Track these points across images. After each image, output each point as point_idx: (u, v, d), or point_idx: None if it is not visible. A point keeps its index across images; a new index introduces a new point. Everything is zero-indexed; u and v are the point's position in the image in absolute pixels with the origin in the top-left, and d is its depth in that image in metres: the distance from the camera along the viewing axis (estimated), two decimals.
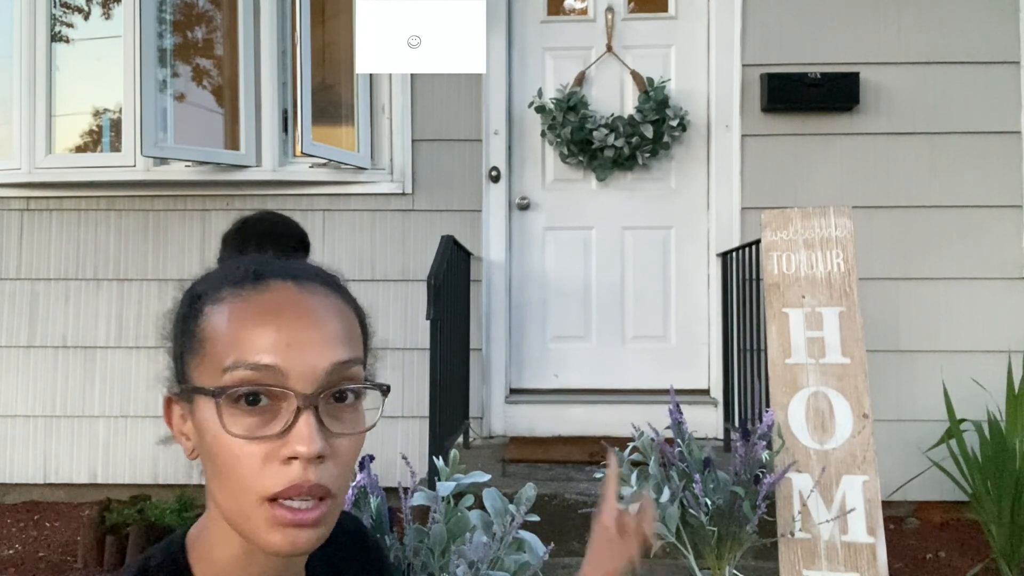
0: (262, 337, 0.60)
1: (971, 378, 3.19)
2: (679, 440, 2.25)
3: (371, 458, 1.74)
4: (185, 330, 0.65)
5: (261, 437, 0.59)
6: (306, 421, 0.58)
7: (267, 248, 0.73)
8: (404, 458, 1.93)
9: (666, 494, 2.09)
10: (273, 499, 0.58)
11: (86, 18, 3.62)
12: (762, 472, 2.12)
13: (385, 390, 0.66)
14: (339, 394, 0.62)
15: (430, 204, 3.48)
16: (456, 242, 3.05)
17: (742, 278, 2.98)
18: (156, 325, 0.68)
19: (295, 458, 0.58)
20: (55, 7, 3.54)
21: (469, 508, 1.75)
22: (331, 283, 0.68)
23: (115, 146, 3.54)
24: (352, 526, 0.82)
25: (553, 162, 3.60)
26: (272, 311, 0.61)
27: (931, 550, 3.00)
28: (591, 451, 3.06)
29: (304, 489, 0.58)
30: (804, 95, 3.33)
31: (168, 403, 0.67)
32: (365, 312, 0.72)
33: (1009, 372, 2.92)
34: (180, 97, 3.45)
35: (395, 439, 3.34)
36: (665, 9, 3.61)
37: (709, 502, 2.09)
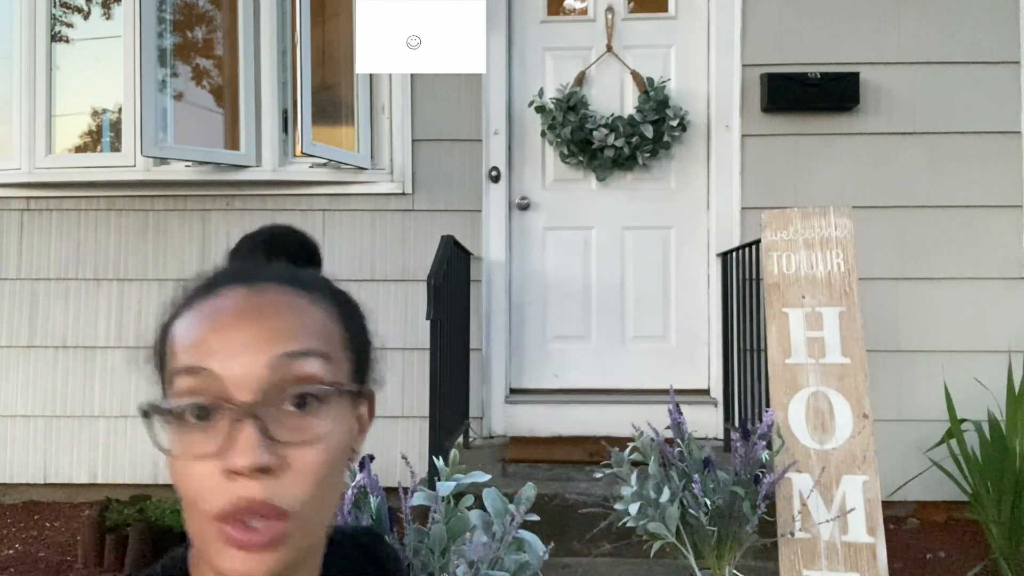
0: (199, 343, 0.55)
1: (972, 378, 3.19)
2: (679, 440, 2.25)
3: (371, 458, 1.75)
4: (157, 353, 0.61)
5: (200, 455, 0.53)
6: (245, 432, 0.52)
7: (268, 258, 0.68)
8: (404, 458, 1.93)
9: (666, 494, 2.09)
10: (224, 519, 0.53)
11: (86, 18, 3.62)
12: (762, 472, 2.12)
13: (356, 392, 0.60)
14: (300, 400, 0.55)
15: (430, 204, 3.48)
16: (456, 242, 3.05)
17: (742, 278, 2.98)
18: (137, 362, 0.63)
19: (240, 473, 0.52)
20: (55, 7, 3.54)
21: (469, 508, 1.75)
22: (299, 282, 0.61)
23: (115, 146, 3.54)
24: (370, 545, 0.75)
25: (553, 162, 3.60)
26: (212, 316, 0.57)
27: (931, 550, 3.00)
28: (591, 451, 3.05)
29: (254, 508, 0.52)
30: (804, 95, 3.33)
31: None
32: (361, 313, 0.66)
33: (1009, 372, 2.92)
34: (180, 97, 3.45)
35: (395, 439, 3.34)
36: (665, 9, 3.61)
37: (709, 502, 2.09)
